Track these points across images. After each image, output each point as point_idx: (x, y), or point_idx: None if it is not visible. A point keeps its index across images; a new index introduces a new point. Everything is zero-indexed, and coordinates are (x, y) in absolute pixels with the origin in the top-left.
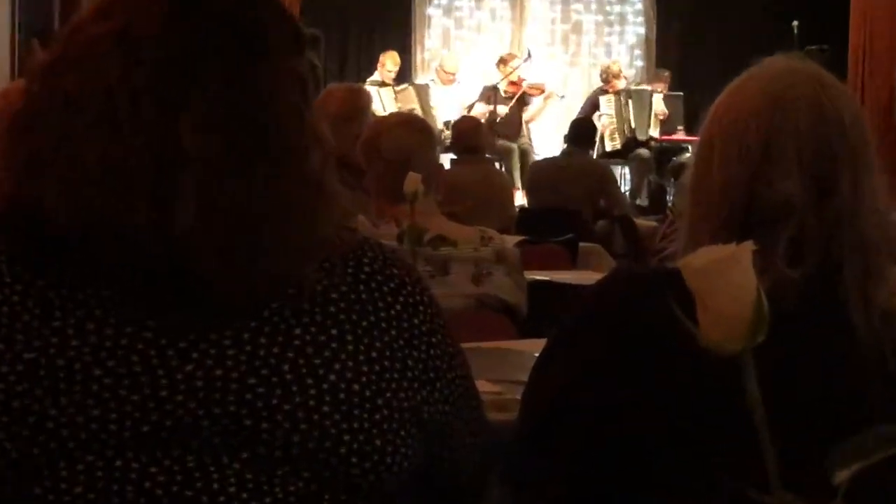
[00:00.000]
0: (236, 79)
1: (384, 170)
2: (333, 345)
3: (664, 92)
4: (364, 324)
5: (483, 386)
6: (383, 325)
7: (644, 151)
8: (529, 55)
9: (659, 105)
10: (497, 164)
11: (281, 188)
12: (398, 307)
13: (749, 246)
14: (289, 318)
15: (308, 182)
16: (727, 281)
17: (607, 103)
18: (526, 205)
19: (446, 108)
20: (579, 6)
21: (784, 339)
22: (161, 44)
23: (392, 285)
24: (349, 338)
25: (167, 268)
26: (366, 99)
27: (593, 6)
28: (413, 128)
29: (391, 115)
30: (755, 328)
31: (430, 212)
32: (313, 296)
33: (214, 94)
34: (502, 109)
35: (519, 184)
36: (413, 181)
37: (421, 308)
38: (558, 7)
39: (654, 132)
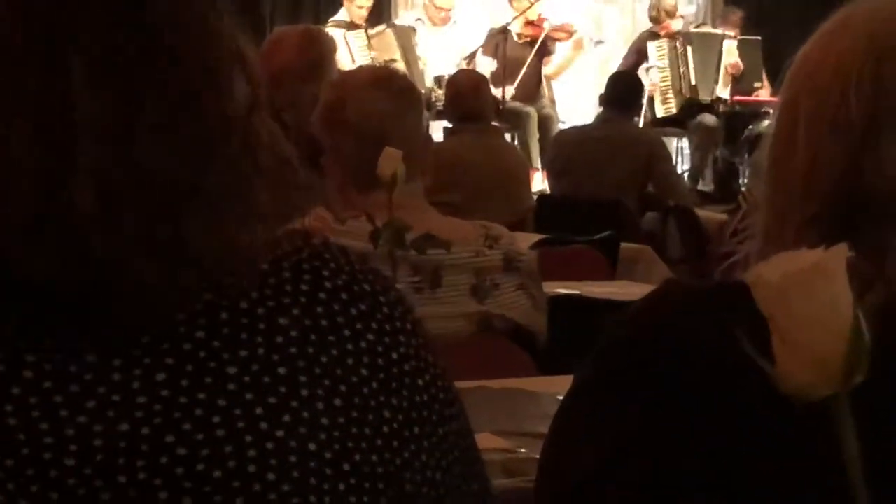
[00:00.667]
0: (123, 18)
1: (352, 145)
2: (282, 389)
3: (737, 37)
4: (324, 360)
5: (488, 441)
6: (350, 361)
7: (710, 118)
8: None
9: (731, 55)
10: (508, 136)
11: (199, 150)
12: (371, 337)
13: (843, 251)
14: (220, 351)
15: (234, 140)
16: (812, 301)
17: (658, 52)
18: (548, 191)
19: (438, 59)
20: None
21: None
22: None
23: (362, 307)
24: (303, 379)
25: (56, 278)
26: (328, 47)
27: None
28: (390, 87)
29: (361, 69)
30: (851, 365)
31: (415, 202)
32: (254, 321)
33: (100, 39)
34: (516, 60)
35: (538, 163)
36: (391, 160)
37: (402, 338)
38: None
39: (724, 92)
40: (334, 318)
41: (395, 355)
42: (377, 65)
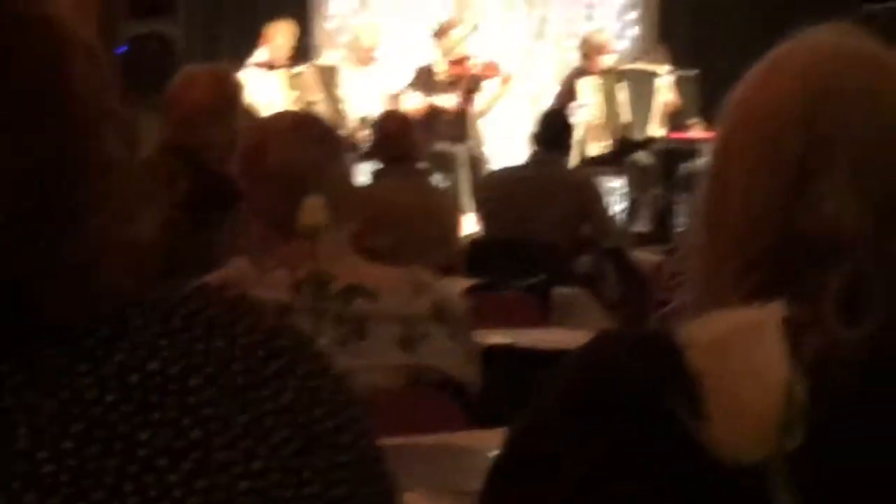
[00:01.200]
0: None
1: (272, 193)
2: (196, 454)
3: (674, 72)
4: (241, 421)
5: (418, 501)
6: (269, 421)
7: (644, 156)
8: (478, 22)
9: (668, 92)
10: (436, 178)
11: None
12: (290, 395)
13: (777, 309)
14: (131, 415)
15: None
16: (745, 363)
17: (590, 89)
18: (478, 234)
19: (363, 99)
20: None
21: (838, 429)
22: None
23: (280, 364)
24: (219, 442)
25: None
26: (237, 87)
27: None
28: (312, 133)
29: (282, 114)
30: (785, 429)
31: (340, 251)
32: (165, 382)
33: None
34: (443, 100)
35: (468, 205)
36: (312, 209)
37: (323, 395)
38: None
39: (660, 129)
40: (250, 377)
41: (316, 413)
42: (298, 109)
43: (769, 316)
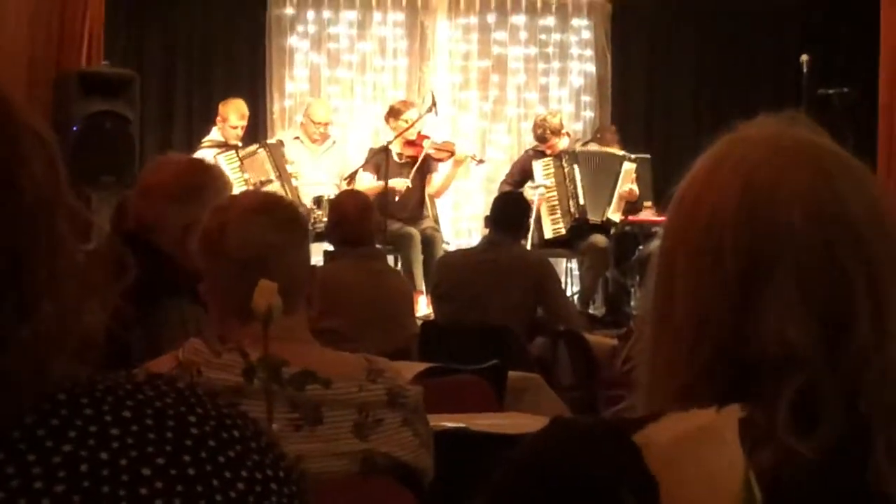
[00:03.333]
0: None
1: (229, 274)
2: None
3: (631, 158)
4: None
5: None
6: None
7: (600, 238)
8: (434, 104)
9: (628, 179)
10: (391, 258)
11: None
12: (241, 486)
13: (734, 412)
14: None
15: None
16: (702, 465)
17: (545, 171)
18: (432, 316)
19: (316, 178)
20: (503, 34)
21: None
22: None
23: (231, 454)
24: None
25: None
26: (212, 179)
27: (522, 35)
28: (274, 216)
29: (246, 194)
30: None
31: (294, 336)
32: (116, 472)
33: None
34: (397, 182)
35: (422, 285)
36: (265, 292)
37: (273, 486)
38: (474, 36)
39: (615, 214)
40: (202, 467)
41: None
42: (263, 190)
43: (725, 420)
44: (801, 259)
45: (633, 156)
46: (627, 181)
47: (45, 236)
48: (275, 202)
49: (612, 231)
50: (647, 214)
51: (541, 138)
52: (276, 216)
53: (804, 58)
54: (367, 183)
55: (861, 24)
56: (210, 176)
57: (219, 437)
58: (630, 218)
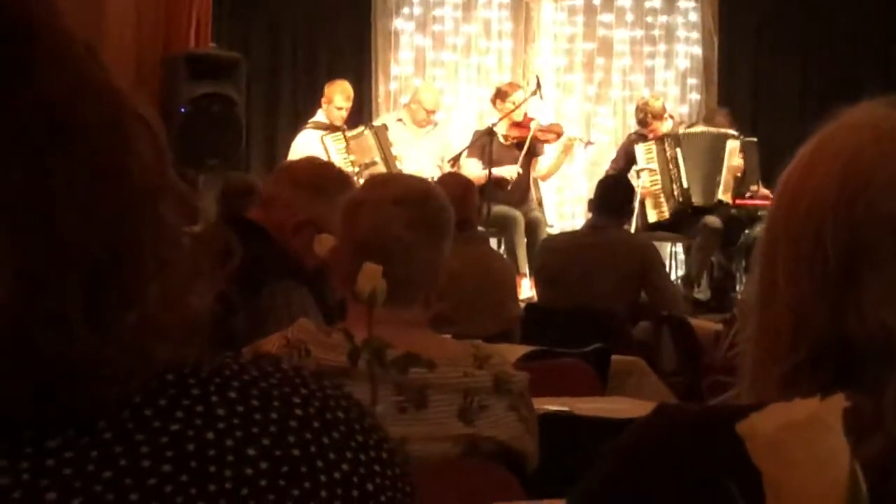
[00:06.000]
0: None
1: (350, 254)
2: None
3: (738, 138)
4: (295, 493)
5: None
6: (323, 493)
7: (714, 220)
8: (539, 86)
9: (735, 156)
10: (494, 241)
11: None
12: (345, 467)
13: (839, 401)
14: (187, 486)
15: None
16: (808, 455)
17: (647, 154)
18: (535, 300)
19: (416, 160)
20: (609, 16)
21: None
22: None
23: (335, 436)
24: None
25: None
26: (337, 184)
27: (628, 17)
28: (411, 211)
29: (395, 179)
30: None
31: (401, 320)
32: (223, 452)
33: None
34: (503, 170)
35: (525, 268)
36: (370, 276)
37: (377, 468)
38: (579, 19)
39: (725, 195)
40: (306, 449)
41: (370, 486)
42: (419, 180)
43: (829, 409)
44: None
45: (737, 134)
46: (734, 159)
47: (151, 222)
48: (418, 198)
49: (723, 213)
50: (756, 199)
51: (642, 122)
52: (414, 211)
53: None
54: (474, 171)
55: None
56: (341, 185)
57: (323, 418)
58: (737, 201)
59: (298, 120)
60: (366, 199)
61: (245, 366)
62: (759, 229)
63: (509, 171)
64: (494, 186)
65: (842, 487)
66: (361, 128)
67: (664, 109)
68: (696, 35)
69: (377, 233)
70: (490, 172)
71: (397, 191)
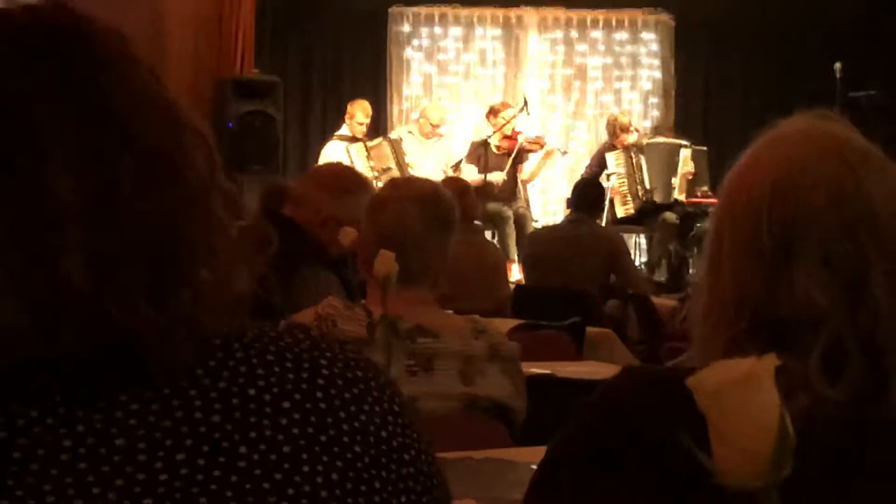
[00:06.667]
0: (90, 110)
1: (372, 243)
2: (286, 465)
3: (690, 147)
4: (323, 439)
5: None
6: (345, 439)
7: (671, 215)
8: (526, 104)
9: (687, 164)
10: (488, 233)
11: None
12: (363, 417)
13: (771, 361)
14: (233, 433)
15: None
16: (745, 404)
17: (616, 161)
18: (523, 282)
19: (424, 166)
20: (584, 46)
21: (828, 472)
22: None
23: (355, 391)
24: (304, 456)
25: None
26: (359, 187)
27: (600, 46)
28: (427, 209)
29: (416, 182)
30: (778, 460)
31: (413, 299)
32: (262, 406)
33: (70, 130)
34: (494, 176)
35: (515, 256)
36: (385, 262)
37: (390, 418)
38: (560, 48)
39: (681, 195)
40: (331, 402)
41: (384, 433)
42: (434, 183)
43: (763, 367)
44: (824, 236)
45: (688, 143)
46: (686, 164)
47: (203, 215)
48: (434, 199)
49: (678, 210)
50: (705, 198)
51: (612, 134)
52: (429, 210)
53: (837, 65)
54: (471, 175)
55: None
56: (361, 188)
57: (345, 376)
58: (690, 199)
59: (326, 133)
60: (388, 198)
61: (280, 333)
62: (708, 222)
63: (498, 177)
64: (488, 188)
65: (772, 432)
66: (379, 139)
67: (630, 124)
68: (656, 62)
69: (397, 225)
70: (485, 177)
71: (414, 191)
